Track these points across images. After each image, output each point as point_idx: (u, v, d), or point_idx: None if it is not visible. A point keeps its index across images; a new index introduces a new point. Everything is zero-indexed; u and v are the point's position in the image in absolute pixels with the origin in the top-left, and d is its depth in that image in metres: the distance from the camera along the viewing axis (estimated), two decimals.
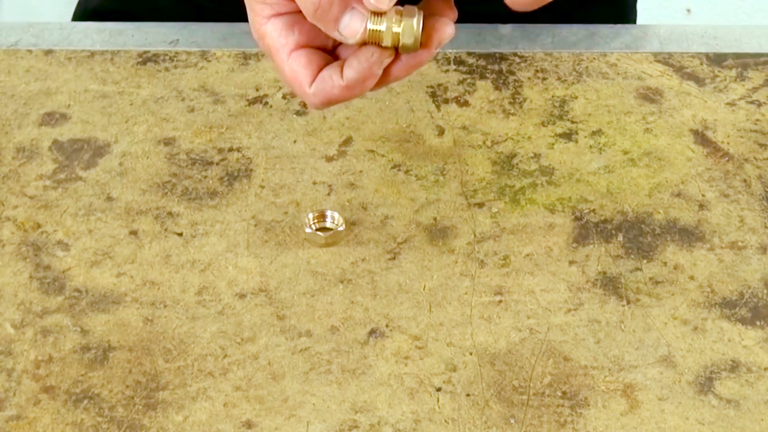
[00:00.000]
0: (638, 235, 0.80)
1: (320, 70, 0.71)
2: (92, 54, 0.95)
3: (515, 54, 0.94)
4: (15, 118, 0.89)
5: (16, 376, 0.71)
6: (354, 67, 0.70)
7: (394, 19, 0.69)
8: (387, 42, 0.69)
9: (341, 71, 0.70)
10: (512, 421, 0.69)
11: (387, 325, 0.75)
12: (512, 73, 0.93)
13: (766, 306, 0.76)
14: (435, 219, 0.81)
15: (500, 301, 0.76)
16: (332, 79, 0.70)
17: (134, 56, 0.94)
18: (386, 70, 0.71)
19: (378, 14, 0.69)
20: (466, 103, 0.90)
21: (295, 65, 0.71)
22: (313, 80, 0.71)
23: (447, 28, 0.70)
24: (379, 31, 0.70)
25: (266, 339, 0.74)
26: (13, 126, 0.88)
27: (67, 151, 0.86)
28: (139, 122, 0.89)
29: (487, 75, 0.92)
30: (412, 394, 0.71)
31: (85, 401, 0.70)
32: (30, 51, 0.95)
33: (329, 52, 0.72)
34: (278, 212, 0.82)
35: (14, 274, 0.78)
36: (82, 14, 1.11)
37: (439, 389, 0.71)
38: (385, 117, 0.89)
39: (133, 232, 0.80)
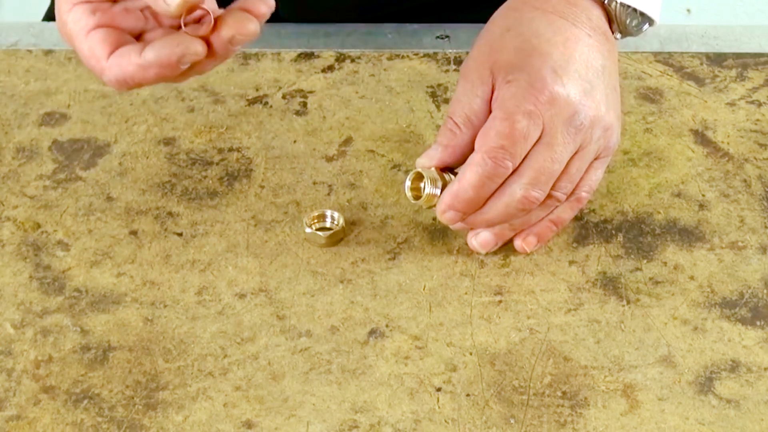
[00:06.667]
0: (638, 235, 0.80)
1: (119, 47, 0.71)
2: None
3: None
4: (15, 118, 0.89)
5: (16, 376, 0.71)
6: (155, 50, 0.70)
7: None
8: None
9: (142, 51, 0.71)
10: (512, 421, 0.69)
11: (387, 325, 0.74)
12: None
13: (766, 306, 0.76)
14: (435, 219, 0.81)
15: (500, 301, 0.76)
16: (130, 56, 0.71)
17: None
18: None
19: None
20: None
21: (92, 41, 0.72)
22: (111, 54, 0.71)
23: (249, 25, 0.71)
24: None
25: (266, 339, 0.74)
26: (13, 126, 0.88)
27: (67, 151, 0.86)
28: (139, 122, 0.89)
29: None
30: (412, 394, 0.70)
31: (85, 401, 0.70)
32: (30, 51, 0.95)
33: (137, 39, 0.73)
34: (278, 212, 0.82)
35: (14, 274, 0.78)
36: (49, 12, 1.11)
37: (439, 389, 0.71)
38: (385, 117, 0.89)
39: (133, 232, 0.80)
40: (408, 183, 0.77)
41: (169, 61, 0.70)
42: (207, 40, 0.71)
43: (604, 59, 0.77)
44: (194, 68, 0.73)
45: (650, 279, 0.77)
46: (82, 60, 0.73)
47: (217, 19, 0.71)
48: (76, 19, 0.72)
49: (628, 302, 0.76)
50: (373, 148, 0.87)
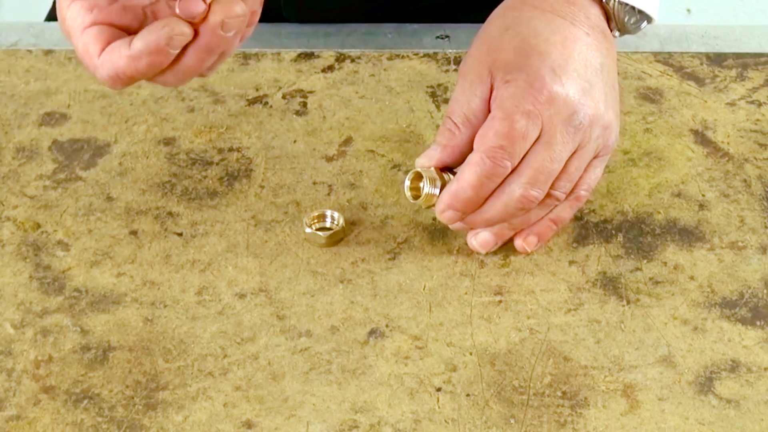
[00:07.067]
0: (638, 235, 0.80)
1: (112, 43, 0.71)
2: None
3: None
4: (15, 118, 0.89)
5: (16, 376, 0.71)
6: (143, 38, 0.69)
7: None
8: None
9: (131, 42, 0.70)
10: (512, 421, 0.69)
11: (387, 325, 0.74)
12: None
13: (766, 306, 0.76)
14: (435, 219, 0.81)
15: (500, 301, 0.76)
16: (120, 49, 0.70)
17: None
18: (180, 56, 0.71)
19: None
20: None
21: (87, 38, 0.71)
22: (103, 51, 0.71)
23: (235, 7, 0.70)
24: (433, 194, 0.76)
25: (266, 339, 0.74)
26: (13, 126, 0.88)
27: (67, 151, 0.86)
28: (139, 122, 0.89)
29: None
30: (412, 394, 0.70)
31: (85, 401, 0.70)
32: (30, 51, 0.95)
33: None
34: (278, 212, 0.82)
35: (14, 274, 0.78)
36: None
37: (439, 389, 0.71)
38: (385, 117, 0.89)
39: (133, 232, 0.80)
40: (407, 183, 0.77)
41: (157, 46, 0.69)
42: (197, 30, 0.71)
43: (603, 58, 0.77)
44: (190, 65, 0.72)
45: (650, 279, 0.77)
46: (79, 57, 0.73)
47: (208, 7, 0.70)
48: (73, 16, 0.72)
49: (628, 302, 0.76)
50: (373, 148, 0.87)
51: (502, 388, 0.71)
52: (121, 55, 0.70)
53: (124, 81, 0.71)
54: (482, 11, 0.83)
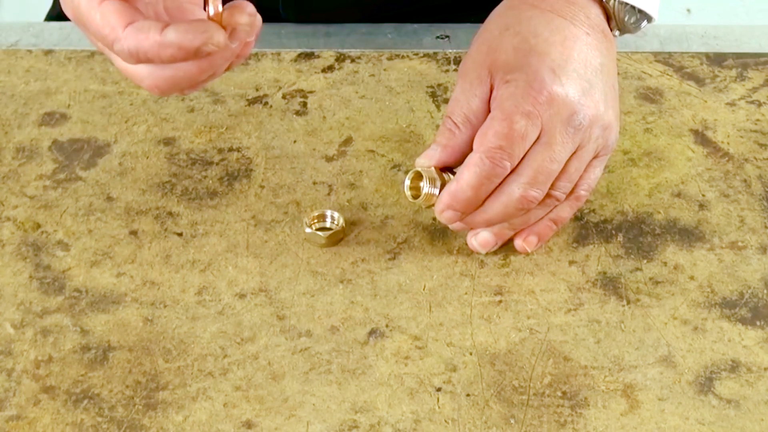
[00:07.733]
0: (638, 235, 0.80)
1: (134, 21, 0.68)
2: (92, 54, 0.95)
3: None
4: (15, 118, 0.89)
5: (16, 376, 0.71)
6: (179, 32, 0.67)
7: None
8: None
9: (163, 29, 0.67)
10: (512, 421, 0.69)
11: (387, 325, 0.74)
12: None
13: (766, 306, 0.76)
14: (435, 219, 0.81)
15: (500, 301, 0.76)
16: (149, 32, 0.67)
17: None
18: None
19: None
20: None
21: (106, 10, 0.68)
22: (128, 25, 0.68)
23: (242, 16, 0.69)
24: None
25: (266, 339, 0.74)
26: (13, 126, 0.88)
27: (67, 151, 0.86)
28: (139, 122, 0.89)
29: None
30: (412, 394, 0.71)
31: (85, 401, 0.70)
32: (30, 51, 0.95)
33: None
34: (278, 212, 0.82)
35: (14, 274, 0.78)
36: (56, 14, 1.10)
37: (439, 389, 0.71)
38: (385, 117, 0.89)
39: (133, 232, 0.80)
40: (407, 182, 0.77)
41: (190, 46, 0.67)
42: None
43: (603, 57, 0.77)
44: (188, 69, 0.71)
45: (650, 279, 0.77)
46: (91, 30, 0.70)
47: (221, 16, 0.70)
48: None
49: (628, 302, 0.76)
50: (373, 148, 0.87)
51: (502, 388, 0.71)
52: (149, 38, 0.68)
53: (141, 60, 0.69)
54: (482, 11, 0.83)
